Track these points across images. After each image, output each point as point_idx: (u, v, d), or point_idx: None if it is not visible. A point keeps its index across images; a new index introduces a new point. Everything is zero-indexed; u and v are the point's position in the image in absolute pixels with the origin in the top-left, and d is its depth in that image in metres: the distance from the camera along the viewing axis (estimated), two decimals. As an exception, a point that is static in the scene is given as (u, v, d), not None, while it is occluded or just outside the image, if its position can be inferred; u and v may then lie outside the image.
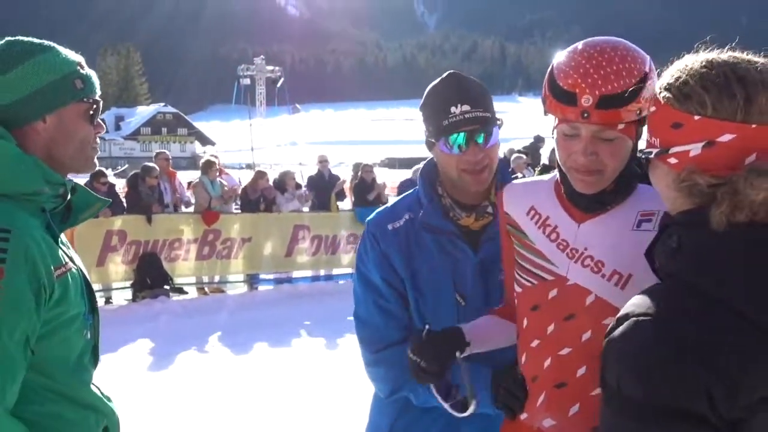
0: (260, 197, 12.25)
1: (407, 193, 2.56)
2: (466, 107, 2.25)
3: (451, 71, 2.39)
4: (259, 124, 52.95)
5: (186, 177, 15.03)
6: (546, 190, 2.02)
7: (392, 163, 56.45)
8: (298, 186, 13.44)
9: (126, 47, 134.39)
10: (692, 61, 1.41)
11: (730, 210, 1.28)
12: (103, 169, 12.47)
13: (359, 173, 13.68)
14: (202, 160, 12.13)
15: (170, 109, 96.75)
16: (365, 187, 13.28)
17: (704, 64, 1.39)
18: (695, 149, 1.36)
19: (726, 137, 1.33)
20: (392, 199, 2.51)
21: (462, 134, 2.26)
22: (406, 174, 15.77)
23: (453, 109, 2.25)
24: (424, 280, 2.37)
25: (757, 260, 1.26)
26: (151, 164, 11.61)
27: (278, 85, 64.56)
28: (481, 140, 2.27)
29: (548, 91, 1.80)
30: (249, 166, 35.92)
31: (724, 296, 1.25)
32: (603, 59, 1.71)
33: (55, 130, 1.93)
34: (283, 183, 12.89)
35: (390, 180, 18.53)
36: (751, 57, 1.39)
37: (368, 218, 2.50)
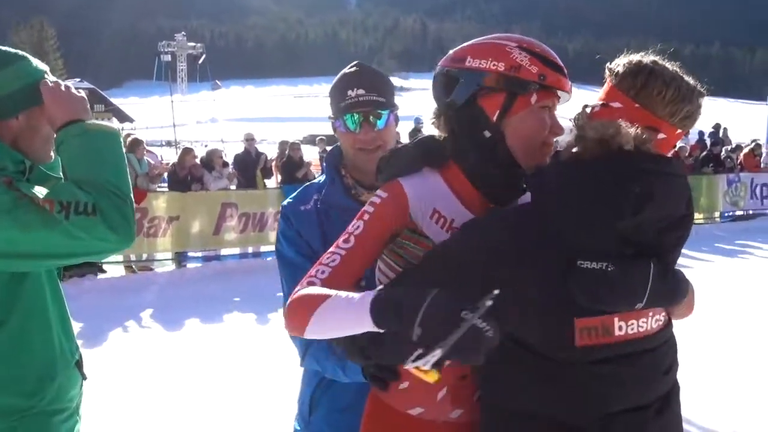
0: (188, 175, 12.18)
1: (316, 180, 2.67)
2: (361, 91, 2.42)
3: (357, 62, 2.56)
4: (180, 101, 51.89)
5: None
6: (440, 189, 1.89)
7: (314, 140, 55.57)
8: (225, 164, 13.38)
9: (39, 21, 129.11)
10: (634, 56, 1.79)
11: (580, 147, 1.70)
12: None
13: (286, 151, 13.72)
14: (129, 138, 11.96)
15: (86, 84, 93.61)
16: (293, 165, 13.32)
17: (638, 59, 1.78)
18: (597, 105, 1.80)
19: (615, 104, 1.76)
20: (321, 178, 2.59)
21: (356, 114, 2.43)
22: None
23: (350, 92, 2.43)
24: None
25: (568, 181, 1.66)
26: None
27: (200, 61, 63.32)
28: (374, 121, 2.43)
29: (545, 67, 1.82)
30: (169, 144, 35.30)
31: (539, 204, 1.70)
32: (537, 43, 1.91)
33: (25, 126, 2.16)
34: (211, 161, 12.83)
35: (314, 157, 18.52)
36: (671, 65, 1.76)
37: (283, 203, 2.59)
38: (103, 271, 11.52)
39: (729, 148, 20.15)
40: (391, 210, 1.84)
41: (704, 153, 18.38)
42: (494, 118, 1.83)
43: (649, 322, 1.69)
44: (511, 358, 1.66)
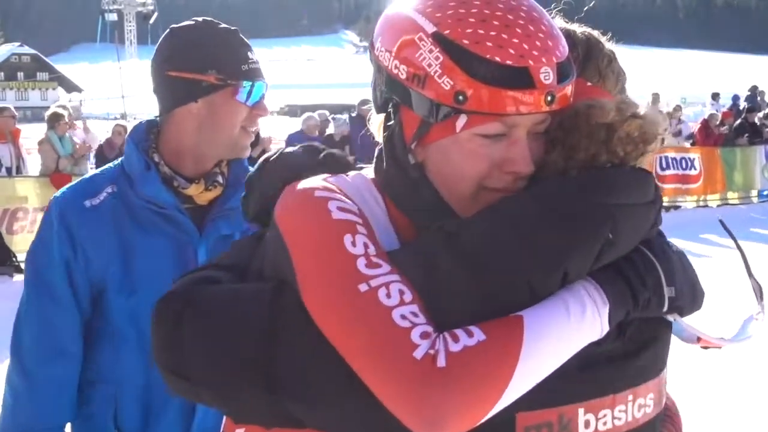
0: (118, 156, 11.56)
1: (107, 166, 2.40)
2: (254, 57, 2.30)
3: (208, 18, 2.36)
4: (131, 66, 51.34)
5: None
6: (376, 205, 1.53)
7: (293, 111, 53.72)
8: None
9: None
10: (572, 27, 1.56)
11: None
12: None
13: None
14: (48, 112, 11.51)
15: (27, 49, 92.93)
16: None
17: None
18: None
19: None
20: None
21: (262, 84, 2.27)
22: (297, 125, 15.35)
23: (250, 55, 2.28)
24: (138, 272, 2.21)
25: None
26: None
27: (151, 21, 62.72)
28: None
29: (472, 79, 1.34)
30: (123, 117, 34.54)
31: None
32: (525, 5, 1.40)
33: None
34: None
35: (284, 133, 17.95)
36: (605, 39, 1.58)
37: (55, 194, 2.32)
38: (21, 271, 11.04)
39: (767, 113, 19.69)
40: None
41: (738, 121, 18.20)
42: (410, 142, 1.45)
43: (630, 410, 1.41)
44: None
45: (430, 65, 1.36)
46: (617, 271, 1.34)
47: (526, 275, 1.30)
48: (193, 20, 2.35)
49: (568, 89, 1.40)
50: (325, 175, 1.50)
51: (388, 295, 1.28)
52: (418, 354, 1.22)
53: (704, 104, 37.15)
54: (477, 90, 1.34)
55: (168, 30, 2.37)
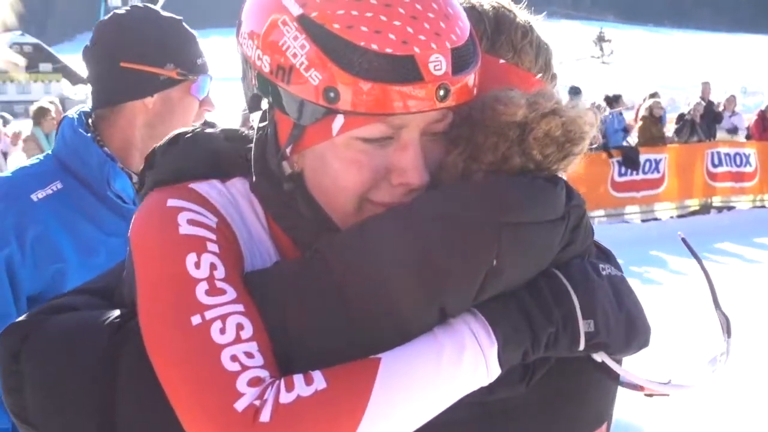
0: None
1: (32, 160, 2.42)
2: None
3: (147, 5, 2.46)
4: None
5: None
6: (255, 219, 1.40)
7: None
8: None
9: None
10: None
11: None
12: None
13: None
14: (33, 107, 11.50)
15: (29, 38, 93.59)
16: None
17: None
18: None
19: None
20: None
21: (209, 78, 2.34)
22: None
23: (199, 48, 2.33)
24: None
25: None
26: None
27: (158, 5, 63.16)
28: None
29: (346, 73, 1.20)
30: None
31: None
32: None
33: None
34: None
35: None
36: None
37: None
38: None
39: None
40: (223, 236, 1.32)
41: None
42: (284, 147, 1.31)
43: None
44: None
45: (295, 55, 1.21)
46: (516, 303, 1.18)
47: (392, 310, 1.16)
48: (133, 6, 2.39)
49: (470, 79, 1.24)
50: (202, 182, 1.36)
51: (222, 331, 1.17)
52: (240, 405, 1.12)
53: (763, 93, 36.73)
54: (351, 85, 1.19)
55: (112, 15, 2.36)
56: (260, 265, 1.31)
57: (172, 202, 1.30)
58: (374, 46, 1.16)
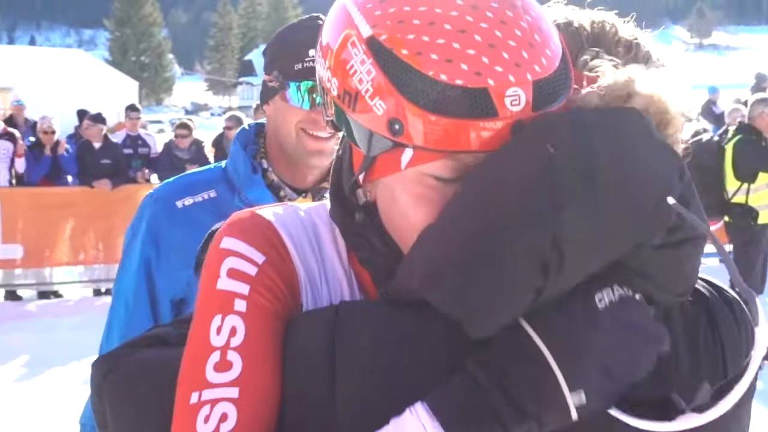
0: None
1: (207, 167, 2.55)
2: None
3: (315, 14, 2.31)
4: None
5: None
6: (333, 250, 1.34)
7: None
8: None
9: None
10: None
11: None
12: None
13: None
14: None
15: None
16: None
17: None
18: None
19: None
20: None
21: (305, 84, 2.22)
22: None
23: (311, 52, 2.16)
24: None
25: None
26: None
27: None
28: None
29: (400, 95, 1.11)
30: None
31: None
32: (502, 6, 1.13)
33: None
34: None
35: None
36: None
37: (150, 191, 2.45)
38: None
39: None
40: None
41: None
42: (358, 175, 1.26)
43: None
44: None
45: (361, 81, 1.14)
46: (470, 379, 1.04)
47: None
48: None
49: None
50: (281, 204, 1.37)
51: (206, 419, 1.16)
52: None
53: None
54: (418, 117, 1.11)
55: None
56: (326, 299, 1.28)
57: (224, 243, 1.26)
58: (443, 77, 1.08)
